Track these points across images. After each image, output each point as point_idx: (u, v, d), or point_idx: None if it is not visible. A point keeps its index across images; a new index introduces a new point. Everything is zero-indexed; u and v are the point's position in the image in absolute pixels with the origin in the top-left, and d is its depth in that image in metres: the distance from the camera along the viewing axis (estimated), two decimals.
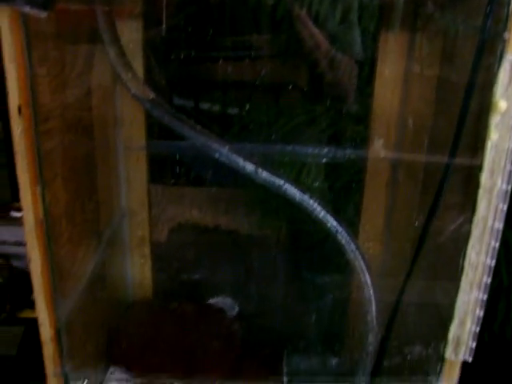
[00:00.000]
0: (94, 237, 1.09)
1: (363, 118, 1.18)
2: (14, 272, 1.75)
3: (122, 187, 1.21)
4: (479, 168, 0.82)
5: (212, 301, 1.36)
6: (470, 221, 0.85)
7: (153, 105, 1.07)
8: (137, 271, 1.28)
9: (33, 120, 0.79)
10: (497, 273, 1.75)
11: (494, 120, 0.79)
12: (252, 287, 1.34)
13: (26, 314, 1.75)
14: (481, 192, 0.83)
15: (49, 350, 0.92)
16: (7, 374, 1.56)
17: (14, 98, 0.75)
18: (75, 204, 0.97)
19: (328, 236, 1.04)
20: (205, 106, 1.45)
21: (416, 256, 0.96)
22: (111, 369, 1.09)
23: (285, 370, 1.01)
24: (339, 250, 1.03)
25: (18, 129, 0.78)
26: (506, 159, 0.82)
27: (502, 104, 0.78)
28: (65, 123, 0.92)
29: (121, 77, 1.05)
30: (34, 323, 0.94)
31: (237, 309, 1.33)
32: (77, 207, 0.98)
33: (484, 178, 0.83)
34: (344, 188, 1.28)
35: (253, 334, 1.20)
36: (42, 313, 0.89)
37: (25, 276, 0.91)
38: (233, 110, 1.43)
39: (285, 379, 1.00)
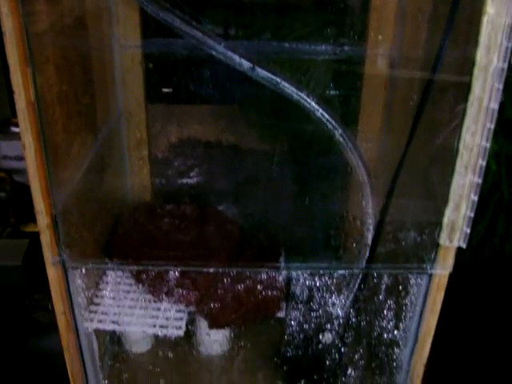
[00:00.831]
0: (90, 132, 1.09)
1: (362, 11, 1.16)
2: (17, 187, 1.77)
3: (118, 87, 1.20)
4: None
5: None
6: (465, 101, 0.83)
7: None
8: (135, 173, 1.28)
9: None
10: (497, 187, 1.75)
11: None
12: (251, 192, 1.34)
13: (31, 228, 1.77)
14: (476, 70, 0.81)
15: (46, 237, 0.93)
16: (14, 283, 1.60)
17: None
18: (69, 93, 0.96)
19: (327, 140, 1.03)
20: None
21: (409, 141, 0.95)
22: (110, 263, 1.10)
23: (282, 256, 1.01)
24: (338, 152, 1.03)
25: (5, 7, 0.76)
26: (503, 35, 0.80)
27: None
28: (54, 9, 0.90)
29: None
30: (38, 236, 0.95)
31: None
32: (70, 97, 0.97)
33: (479, 55, 0.80)
34: (342, 88, 1.26)
35: (251, 231, 1.21)
36: (38, 199, 0.89)
37: (27, 191, 0.91)
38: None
39: (282, 264, 1.01)
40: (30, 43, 0.80)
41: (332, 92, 1.26)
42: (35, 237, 0.96)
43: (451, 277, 0.99)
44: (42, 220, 0.91)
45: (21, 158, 1.71)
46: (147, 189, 1.33)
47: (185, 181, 1.33)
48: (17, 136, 0.88)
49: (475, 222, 1.52)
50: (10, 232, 1.77)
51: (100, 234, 1.15)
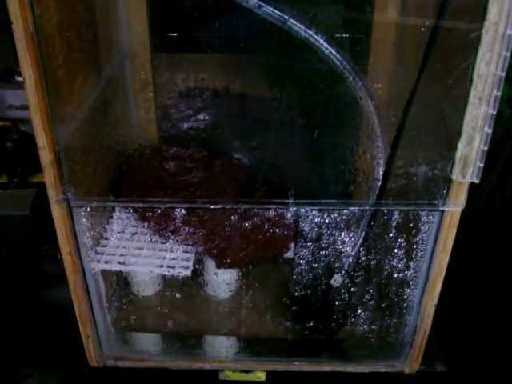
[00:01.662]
0: (93, 70, 1.07)
1: None
2: (23, 136, 1.75)
3: (122, 26, 1.17)
4: None
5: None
6: (479, 28, 0.80)
7: None
8: (141, 115, 1.26)
9: None
10: (510, 135, 1.71)
11: None
12: (258, 138, 1.32)
13: (38, 178, 1.76)
14: None
15: (49, 174, 0.91)
16: (22, 232, 1.59)
17: None
18: (70, 27, 0.94)
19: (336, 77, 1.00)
20: None
21: (421, 72, 0.91)
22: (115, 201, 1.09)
23: (291, 193, 0.99)
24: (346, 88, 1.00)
25: None
26: None
27: None
28: None
29: None
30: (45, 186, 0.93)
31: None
32: (72, 31, 0.95)
33: None
34: (351, 25, 1.22)
35: (259, 169, 1.19)
36: (40, 134, 0.87)
37: (33, 141, 0.89)
38: None
39: (290, 201, 0.99)
40: None
41: (342, 32, 1.22)
42: (42, 187, 0.94)
43: (461, 226, 0.97)
44: (45, 156, 0.89)
45: (26, 108, 1.69)
46: (153, 131, 1.30)
47: (191, 125, 1.31)
48: (21, 85, 0.86)
49: (487, 170, 1.50)
50: (18, 182, 1.76)
51: (105, 173, 1.14)
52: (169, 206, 1.05)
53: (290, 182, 1.10)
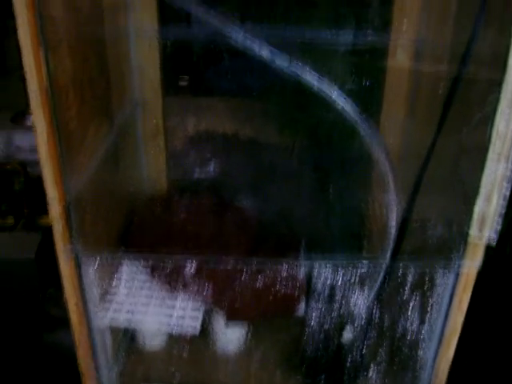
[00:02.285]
0: (105, 120, 1.06)
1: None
2: (31, 178, 1.75)
3: (135, 75, 1.17)
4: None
5: None
6: (498, 85, 0.79)
7: None
8: (151, 163, 1.25)
9: None
10: None
11: None
12: (271, 185, 1.30)
13: (45, 220, 1.75)
14: None
15: (58, 226, 0.90)
16: (26, 275, 1.58)
17: None
18: (83, 77, 0.93)
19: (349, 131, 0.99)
20: None
21: (439, 131, 0.90)
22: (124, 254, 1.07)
23: (303, 248, 0.97)
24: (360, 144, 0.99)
25: None
26: None
27: None
28: None
29: None
30: (51, 229, 0.92)
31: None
32: (85, 81, 0.94)
33: None
34: (364, 78, 1.22)
35: (271, 223, 1.17)
36: (50, 186, 0.86)
37: (41, 183, 0.88)
38: None
39: (302, 256, 0.97)
40: (42, 23, 0.77)
41: (354, 82, 1.21)
42: (49, 230, 0.93)
43: None
44: (55, 208, 0.88)
45: (34, 149, 1.69)
46: (163, 180, 1.29)
47: (202, 173, 1.30)
48: (31, 128, 0.85)
49: None
50: (24, 223, 1.75)
51: (114, 225, 1.12)
52: (177, 261, 1.03)
53: (302, 236, 1.08)
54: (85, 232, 0.94)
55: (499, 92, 0.79)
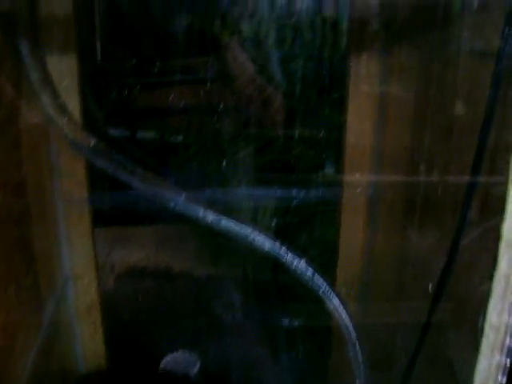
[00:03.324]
0: (34, 316, 0.91)
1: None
2: None
3: (64, 248, 1.03)
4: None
5: (171, 356, 1.20)
6: (490, 278, 0.73)
7: (94, 153, 0.90)
8: (87, 340, 1.10)
9: None
10: None
11: None
12: (214, 338, 1.20)
13: None
14: (503, 246, 0.71)
15: None
16: None
17: None
18: (7, 289, 0.79)
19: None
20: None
21: (430, 315, 0.83)
22: None
23: None
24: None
25: None
26: None
27: None
28: None
29: (55, 122, 0.87)
30: None
31: (198, 365, 1.18)
32: (9, 291, 0.80)
33: (506, 230, 0.70)
34: (314, 230, 1.16)
35: None
36: None
37: None
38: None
39: None
40: None
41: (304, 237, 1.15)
42: None
43: None
44: None
45: None
46: (101, 351, 1.15)
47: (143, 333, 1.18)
48: None
49: None
50: None
51: None
52: None
53: None
54: None
55: (490, 285, 0.73)
